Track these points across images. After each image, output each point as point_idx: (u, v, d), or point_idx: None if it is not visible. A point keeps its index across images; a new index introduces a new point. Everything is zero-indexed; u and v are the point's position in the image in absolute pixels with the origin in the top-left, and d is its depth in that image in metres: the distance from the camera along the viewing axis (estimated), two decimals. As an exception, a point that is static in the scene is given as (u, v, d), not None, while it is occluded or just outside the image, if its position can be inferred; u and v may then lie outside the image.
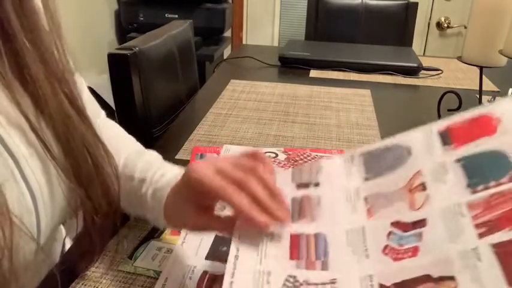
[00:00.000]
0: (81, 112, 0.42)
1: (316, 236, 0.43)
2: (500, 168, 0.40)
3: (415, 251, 0.38)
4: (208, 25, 2.11)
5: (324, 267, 0.40)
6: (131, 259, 0.57)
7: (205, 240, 0.61)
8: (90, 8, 2.03)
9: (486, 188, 0.39)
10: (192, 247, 0.60)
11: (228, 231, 0.44)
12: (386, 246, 0.39)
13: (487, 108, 0.44)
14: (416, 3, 1.92)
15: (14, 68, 0.37)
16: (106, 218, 0.46)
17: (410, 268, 0.37)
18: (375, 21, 1.93)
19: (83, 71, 2.00)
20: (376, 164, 0.47)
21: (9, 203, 0.35)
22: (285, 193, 0.46)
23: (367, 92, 1.28)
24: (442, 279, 0.35)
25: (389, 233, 0.40)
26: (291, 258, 0.41)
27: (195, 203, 0.45)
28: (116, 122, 0.68)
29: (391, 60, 1.51)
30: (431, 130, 0.46)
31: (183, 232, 0.62)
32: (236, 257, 0.41)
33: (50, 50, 0.40)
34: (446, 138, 0.45)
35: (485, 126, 0.43)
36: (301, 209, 0.46)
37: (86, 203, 0.43)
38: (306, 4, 1.99)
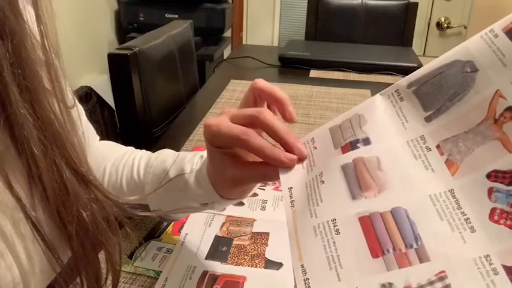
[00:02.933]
0: (82, 179, 0.37)
1: (394, 213, 0.32)
2: None
3: None
4: (208, 25, 2.11)
5: (422, 257, 0.29)
6: (131, 259, 0.57)
7: (205, 240, 0.61)
8: (90, 8, 2.03)
9: None
10: (192, 247, 0.60)
11: (266, 175, 0.43)
12: (493, 211, 0.29)
13: None
14: (416, 3, 1.92)
15: (10, 139, 0.34)
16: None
17: None
18: (375, 21, 1.93)
19: (83, 71, 1.99)
20: (434, 95, 0.35)
21: None
22: (330, 164, 0.37)
23: (367, 92, 1.28)
24: None
25: (490, 191, 0.29)
26: (374, 255, 0.30)
27: (226, 155, 0.44)
28: (116, 122, 0.68)
29: (391, 60, 1.51)
30: (493, 32, 0.34)
31: (183, 232, 0.63)
32: (306, 281, 0.31)
33: (50, 120, 0.36)
34: None
35: None
36: (359, 178, 0.35)
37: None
38: (306, 4, 1.99)
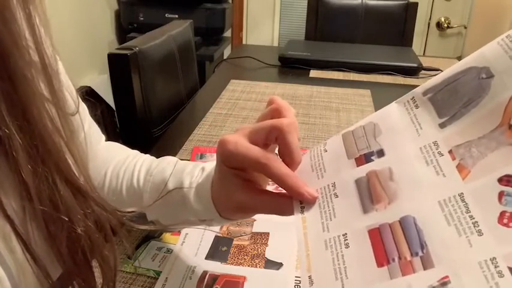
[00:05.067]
0: (79, 191, 0.36)
1: (402, 222, 0.32)
2: None
3: None
4: (208, 25, 2.11)
5: (427, 264, 0.29)
6: (131, 259, 0.57)
7: (205, 240, 0.61)
8: (90, 8, 2.03)
9: None
10: (192, 247, 0.60)
11: (279, 209, 0.40)
12: (502, 214, 0.29)
13: None
14: (416, 3, 1.92)
15: (1, 155, 0.32)
16: None
17: None
18: (375, 21, 1.93)
19: (83, 71, 1.99)
20: (449, 102, 0.35)
21: None
22: (344, 176, 0.38)
23: (367, 92, 1.28)
24: None
25: (501, 194, 0.29)
26: (379, 265, 0.31)
27: (238, 178, 0.41)
28: (116, 121, 0.67)
29: (391, 60, 1.51)
30: (510, 37, 0.33)
31: (183, 232, 0.62)
32: (310, 281, 0.32)
33: (45, 131, 0.34)
34: None
35: None
36: (371, 192, 0.35)
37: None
38: (306, 4, 1.99)
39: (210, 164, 0.49)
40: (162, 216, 0.51)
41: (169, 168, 0.52)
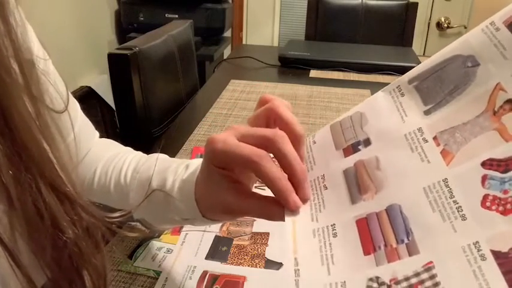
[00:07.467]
0: (66, 197, 0.34)
1: (389, 210, 0.32)
2: None
3: None
4: (208, 25, 2.11)
5: (412, 250, 0.29)
6: (131, 259, 0.57)
7: (205, 240, 0.61)
8: (90, 8, 2.03)
9: None
10: (192, 247, 0.60)
11: (268, 214, 0.38)
12: (485, 197, 0.29)
13: None
14: (416, 3, 1.92)
15: None
16: None
17: None
18: (375, 21, 1.93)
19: (83, 71, 1.99)
20: (434, 89, 0.36)
21: None
22: (332, 167, 0.38)
23: (367, 92, 1.28)
24: None
25: (484, 178, 0.29)
26: (366, 253, 0.31)
27: (226, 179, 0.40)
28: (116, 121, 0.66)
29: (391, 60, 1.51)
30: (494, 25, 0.34)
31: (183, 232, 0.62)
32: (296, 271, 0.32)
33: (26, 135, 0.32)
34: None
35: None
36: (359, 182, 0.36)
37: None
38: (306, 4, 1.99)
39: (196, 161, 0.48)
40: (147, 214, 0.50)
41: (154, 165, 0.50)
